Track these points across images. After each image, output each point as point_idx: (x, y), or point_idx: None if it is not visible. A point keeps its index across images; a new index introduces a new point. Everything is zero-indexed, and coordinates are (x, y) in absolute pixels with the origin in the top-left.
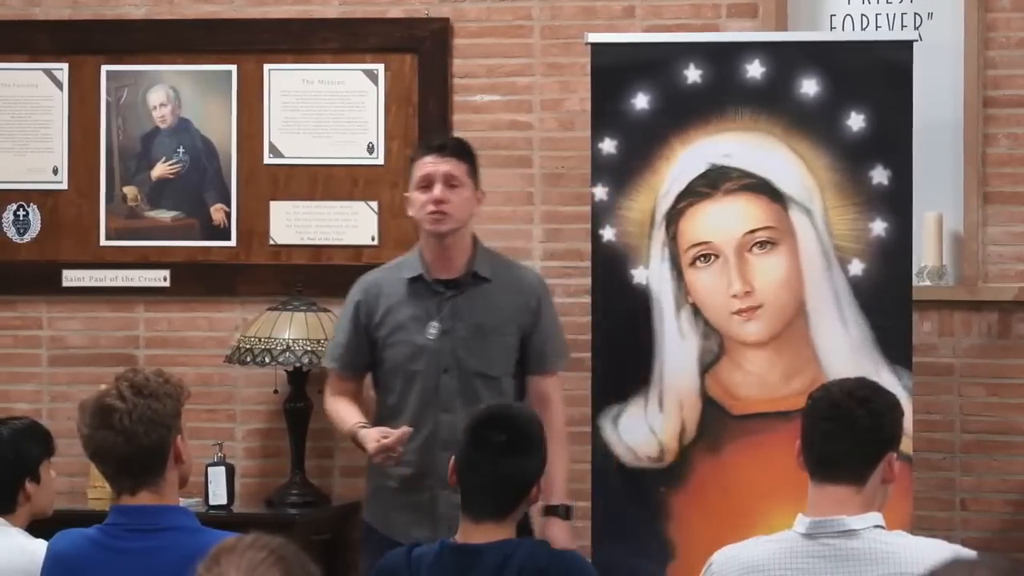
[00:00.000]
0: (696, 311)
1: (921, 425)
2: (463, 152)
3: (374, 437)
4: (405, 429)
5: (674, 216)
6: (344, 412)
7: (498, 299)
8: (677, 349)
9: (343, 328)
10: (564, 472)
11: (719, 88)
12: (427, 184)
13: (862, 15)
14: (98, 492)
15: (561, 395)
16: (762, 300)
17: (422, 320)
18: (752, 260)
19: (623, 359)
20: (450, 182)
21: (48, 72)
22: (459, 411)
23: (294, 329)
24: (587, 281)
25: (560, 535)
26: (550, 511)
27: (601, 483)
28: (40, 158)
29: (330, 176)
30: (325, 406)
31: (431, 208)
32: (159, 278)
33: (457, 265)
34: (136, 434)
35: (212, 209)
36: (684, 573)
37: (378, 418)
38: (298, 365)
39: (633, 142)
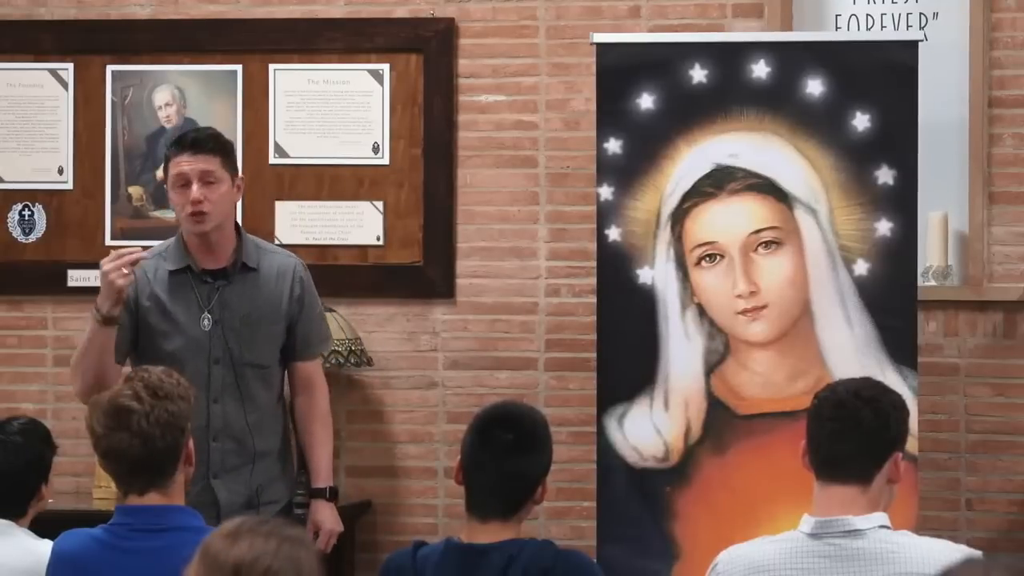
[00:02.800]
0: (701, 311)
1: (926, 425)
2: (217, 146)
3: (103, 263)
4: (139, 248)
5: (679, 216)
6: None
7: (264, 288)
8: (682, 349)
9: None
10: (329, 455)
11: (724, 88)
12: (183, 183)
13: (867, 15)
14: (103, 492)
15: (323, 379)
16: (767, 300)
17: (192, 311)
18: (757, 260)
19: (628, 359)
20: (206, 179)
21: (53, 72)
22: (229, 401)
23: None
24: (592, 281)
25: (327, 518)
26: (317, 493)
27: (606, 483)
28: (45, 158)
29: (335, 176)
30: (72, 360)
31: (190, 209)
32: None
33: (222, 256)
34: (152, 436)
35: None
36: (689, 573)
37: None
38: None
39: (638, 142)
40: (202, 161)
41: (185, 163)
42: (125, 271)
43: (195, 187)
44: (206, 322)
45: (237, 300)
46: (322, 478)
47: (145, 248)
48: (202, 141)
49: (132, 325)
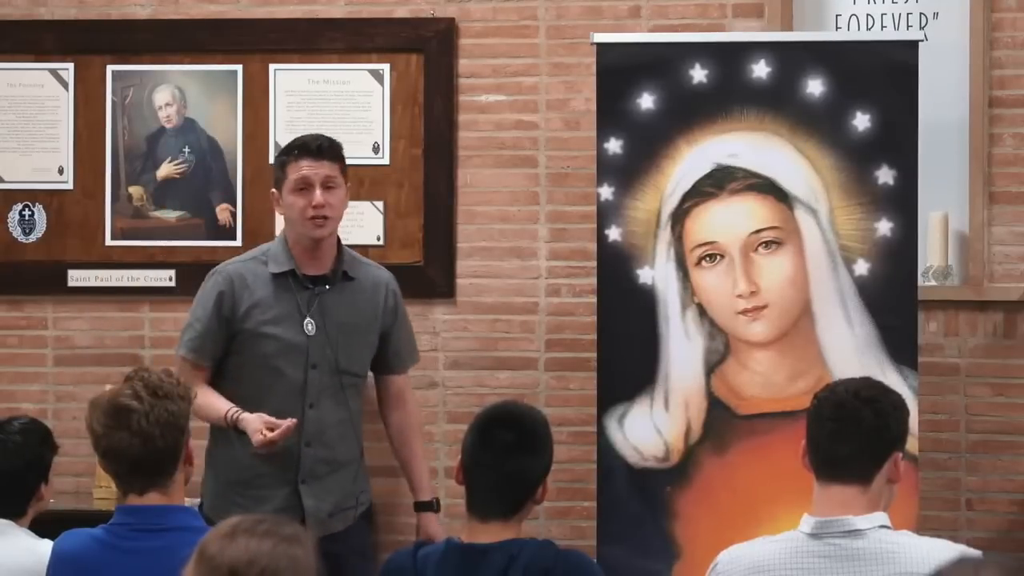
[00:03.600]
0: (702, 311)
1: (927, 425)
2: (338, 153)
3: (257, 428)
4: (291, 422)
5: (680, 216)
6: (213, 399)
7: (362, 298)
8: (683, 349)
9: (202, 318)
10: (427, 468)
11: (725, 88)
12: (305, 187)
13: (868, 15)
14: (103, 492)
15: (413, 392)
16: (768, 300)
17: (292, 315)
18: (758, 260)
19: (628, 359)
20: (328, 184)
21: (54, 72)
22: (324, 407)
23: None
24: (592, 281)
25: (437, 529)
26: (424, 507)
27: (606, 483)
28: (46, 158)
29: None
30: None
31: (312, 213)
32: (165, 278)
33: (326, 262)
34: (152, 436)
35: (218, 209)
36: (689, 573)
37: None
38: None
39: (639, 142)
40: (326, 167)
41: (307, 167)
42: (275, 447)
43: (318, 192)
44: (310, 327)
45: (336, 307)
46: (426, 491)
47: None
48: (326, 147)
49: (224, 333)
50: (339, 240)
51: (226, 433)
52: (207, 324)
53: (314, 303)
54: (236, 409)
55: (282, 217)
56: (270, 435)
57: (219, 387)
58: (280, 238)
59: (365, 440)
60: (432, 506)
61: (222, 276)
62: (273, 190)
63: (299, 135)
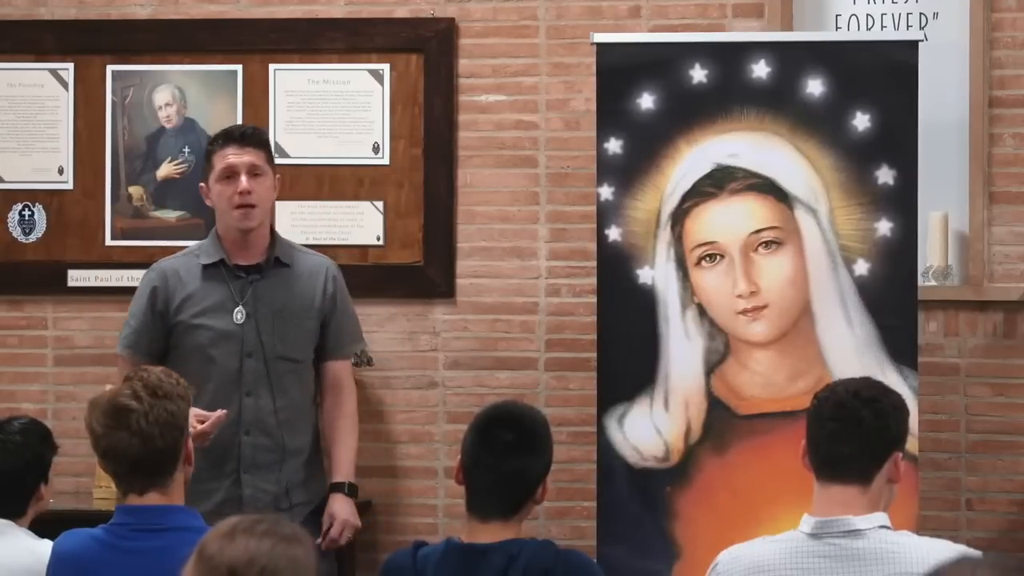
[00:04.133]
0: (702, 311)
1: (927, 425)
2: (261, 141)
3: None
4: (221, 413)
5: (680, 216)
6: None
7: (297, 284)
8: (682, 349)
9: (137, 315)
10: (352, 453)
11: (725, 88)
12: (230, 175)
13: (868, 15)
14: (103, 492)
15: (352, 380)
16: (768, 300)
17: (225, 305)
18: (758, 260)
19: (628, 359)
20: (254, 172)
21: (54, 72)
22: (262, 395)
23: None
24: (592, 281)
25: (342, 509)
26: (336, 487)
27: (606, 483)
28: (46, 158)
29: (335, 176)
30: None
31: (238, 201)
32: None
33: (257, 251)
34: (152, 436)
35: None
36: (690, 573)
37: None
38: None
39: (639, 142)
40: (249, 154)
41: (232, 155)
42: (207, 440)
43: (243, 179)
44: (239, 315)
45: (270, 294)
46: (342, 473)
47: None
48: (249, 135)
49: (160, 328)
50: (272, 228)
51: None
52: (141, 320)
53: (247, 292)
54: None
55: (213, 205)
56: (200, 427)
57: None
58: (212, 231)
59: (361, 440)
60: (343, 488)
61: (155, 272)
62: (201, 183)
63: (303, 133)
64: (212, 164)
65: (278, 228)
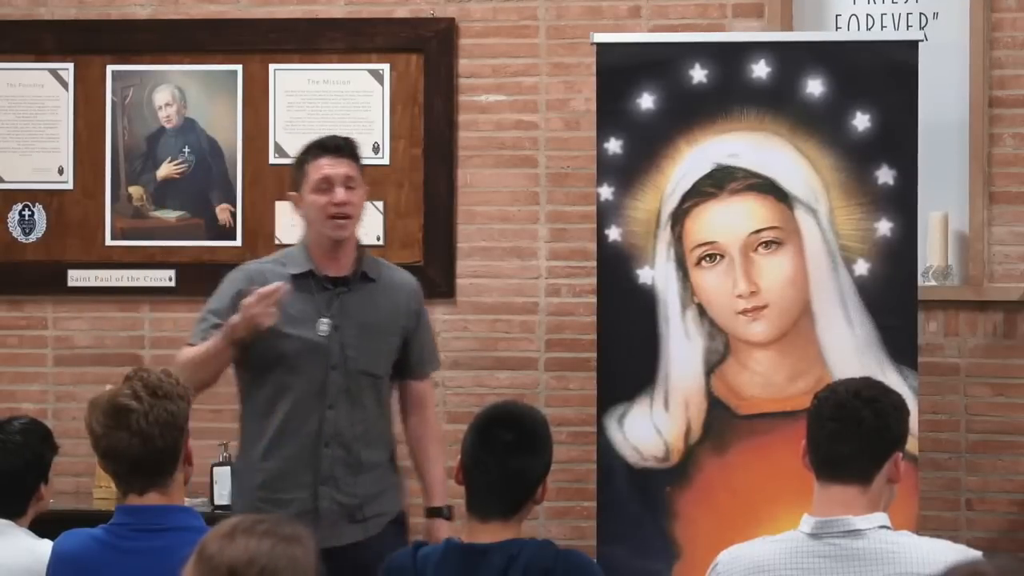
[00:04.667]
0: (702, 311)
1: (927, 425)
2: (356, 153)
3: (246, 302)
4: (279, 284)
5: (680, 216)
6: (199, 346)
7: (383, 300)
8: (683, 349)
9: (219, 313)
10: (443, 473)
11: (725, 88)
12: (327, 186)
13: (868, 15)
14: (103, 492)
15: (434, 397)
16: (768, 300)
17: (311, 316)
18: (758, 260)
19: (628, 359)
20: (349, 184)
21: (54, 72)
22: (342, 408)
23: None
24: (592, 281)
25: (444, 536)
26: (434, 512)
27: (606, 483)
28: (46, 158)
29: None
30: (180, 359)
31: (334, 211)
32: (165, 278)
33: (346, 264)
34: (152, 436)
35: (218, 209)
36: (690, 573)
37: (246, 411)
38: None
39: (639, 142)
40: (344, 165)
41: (328, 166)
42: (272, 310)
43: (340, 190)
44: (324, 327)
45: (356, 308)
46: (438, 497)
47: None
48: (343, 147)
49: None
50: (359, 242)
51: (255, 437)
52: (224, 319)
53: (334, 304)
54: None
55: (299, 219)
56: (263, 290)
57: (242, 387)
58: (300, 241)
59: None
60: (442, 512)
61: (242, 273)
62: (292, 192)
63: (303, 133)
64: (306, 174)
65: (278, 228)
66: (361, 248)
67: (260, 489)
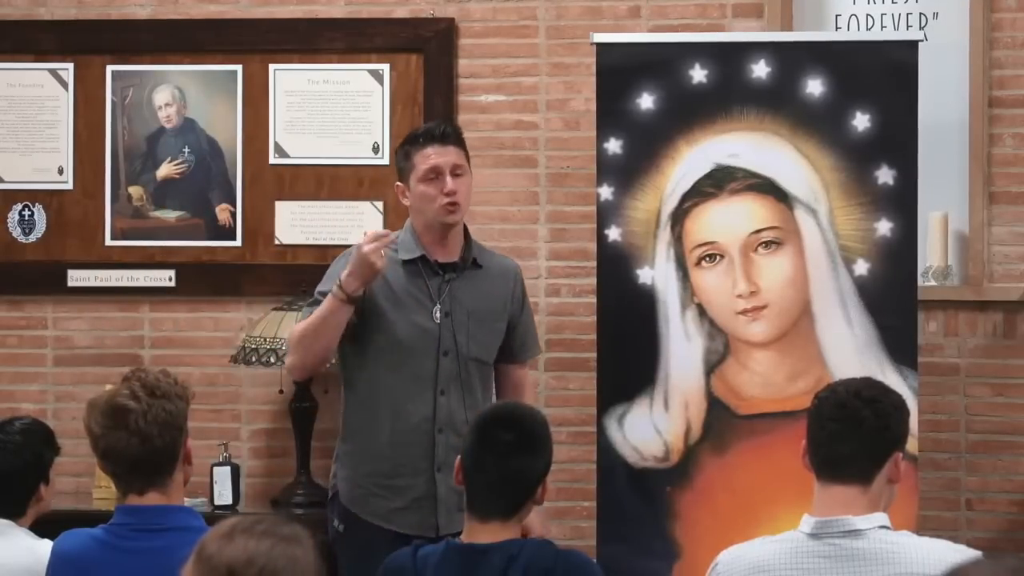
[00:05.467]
0: (701, 311)
1: (927, 425)
2: (462, 139)
3: (360, 246)
4: (388, 233)
5: (679, 216)
6: (313, 314)
7: (490, 286)
8: (682, 349)
9: (325, 292)
10: None
11: (725, 88)
12: (436, 175)
13: (867, 15)
14: (103, 492)
15: (534, 384)
16: (767, 300)
17: (423, 302)
18: (757, 260)
19: (628, 359)
20: (456, 171)
21: (53, 72)
22: (453, 394)
23: None
24: (592, 281)
25: (536, 522)
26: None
27: (606, 483)
28: (45, 158)
29: (335, 176)
30: (295, 333)
31: (445, 200)
32: (164, 278)
33: (454, 250)
34: (150, 435)
35: (217, 209)
36: (690, 573)
37: (351, 396)
38: None
39: (638, 142)
40: (452, 154)
41: (436, 155)
42: (384, 252)
43: (449, 179)
44: (438, 313)
45: (466, 294)
46: None
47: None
48: (449, 134)
49: (356, 309)
50: (466, 228)
51: (364, 424)
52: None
53: (444, 290)
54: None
55: (411, 204)
56: (375, 231)
57: (348, 374)
58: (407, 227)
59: None
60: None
61: (352, 254)
62: (398, 183)
63: (303, 133)
64: (413, 163)
65: (278, 228)
66: (468, 233)
67: (375, 476)
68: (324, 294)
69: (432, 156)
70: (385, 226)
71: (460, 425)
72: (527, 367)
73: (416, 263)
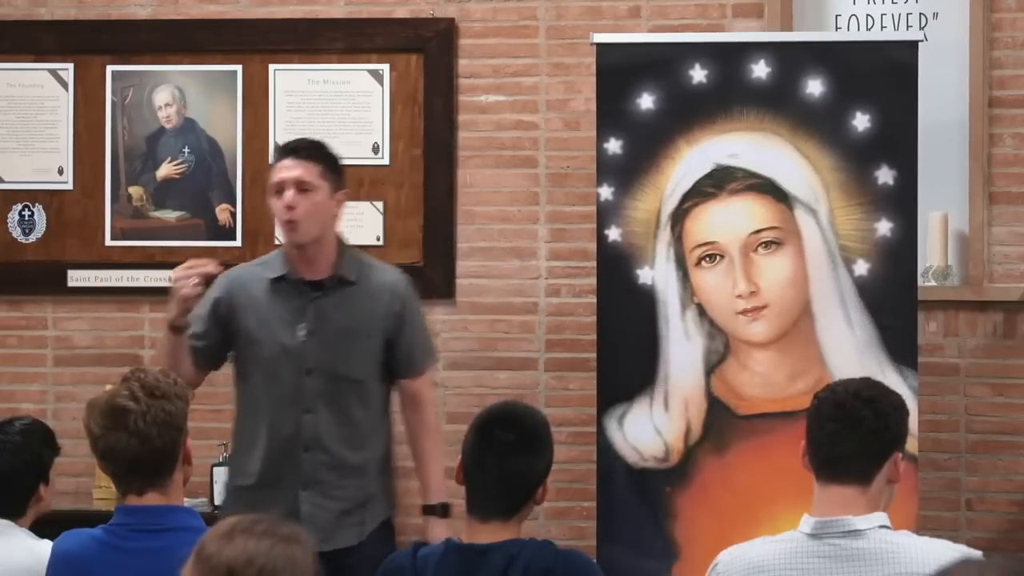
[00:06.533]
0: (701, 311)
1: (927, 425)
2: (317, 154)
3: (173, 275)
4: (212, 261)
5: (679, 216)
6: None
7: (362, 302)
8: (682, 349)
9: (200, 321)
10: (441, 470)
11: (725, 88)
12: (279, 190)
13: (867, 15)
14: (103, 492)
15: (433, 393)
16: (767, 300)
17: (287, 320)
18: (757, 260)
19: (628, 359)
20: (301, 187)
21: (54, 72)
22: (322, 412)
23: None
24: (592, 281)
25: (440, 534)
26: (428, 510)
27: (606, 483)
28: (46, 158)
29: None
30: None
31: (284, 217)
32: (164, 278)
33: (322, 267)
34: (150, 436)
35: (218, 209)
36: (689, 573)
37: (236, 414)
38: None
39: (639, 142)
40: (299, 168)
41: (283, 170)
42: (194, 281)
43: (288, 193)
44: (301, 332)
45: (333, 312)
46: (433, 494)
47: (222, 264)
48: (300, 148)
49: (220, 335)
50: (340, 243)
51: (243, 438)
52: (203, 328)
53: (309, 308)
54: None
55: None
56: (191, 261)
57: (235, 388)
58: (282, 246)
59: None
60: (435, 510)
61: (224, 279)
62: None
63: (303, 133)
64: (270, 178)
65: (279, 229)
66: (344, 249)
67: (246, 491)
68: (195, 317)
69: (280, 171)
70: (385, 226)
71: (332, 443)
72: (422, 379)
73: (282, 282)
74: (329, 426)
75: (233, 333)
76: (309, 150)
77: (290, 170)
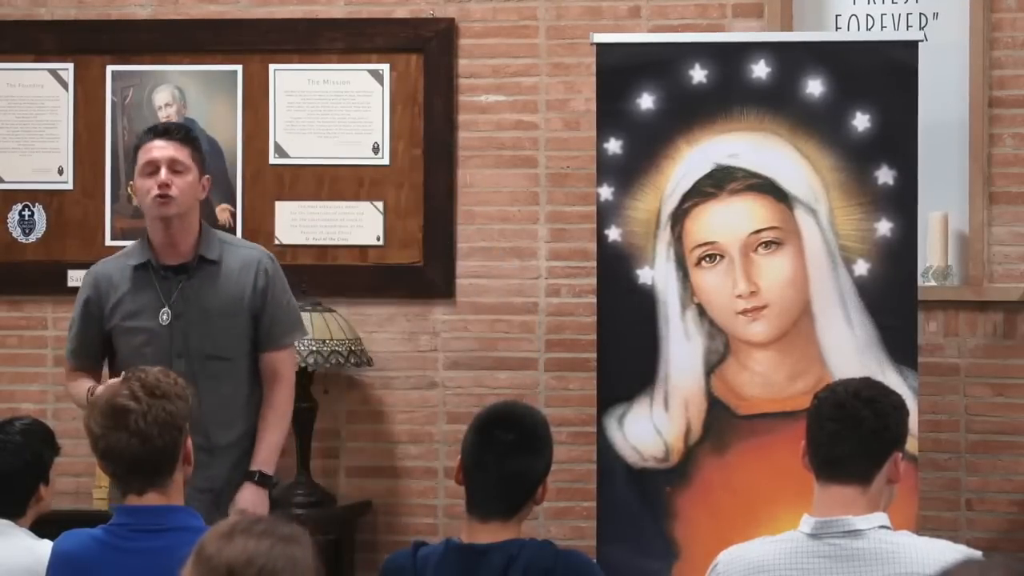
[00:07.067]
0: (701, 311)
1: (927, 425)
2: (187, 138)
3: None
4: (114, 381)
5: (679, 216)
6: (79, 385)
7: (226, 281)
8: (682, 349)
9: (75, 323)
10: (273, 443)
11: (725, 88)
12: (153, 170)
13: (867, 15)
14: (103, 492)
15: (292, 370)
16: (767, 300)
17: (153, 306)
18: (757, 260)
19: (628, 359)
20: (174, 167)
21: (54, 72)
22: (195, 395)
23: None
24: (592, 281)
25: (246, 498)
26: (248, 476)
27: (606, 483)
28: (46, 158)
29: (335, 176)
30: (69, 392)
31: (156, 192)
32: None
33: (184, 250)
34: (150, 436)
35: (218, 209)
36: (689, 573)
37: None
38: (303, 365)
39: (639, 142)
40: (172, 148)
41: (155, 149)
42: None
43: (163, 172)
44: (165, 316)
45: (197, 294)
46: (256, 462)
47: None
48: (173, 130)
49: (98, 333)
50: (202, 226)
51: None
52: (78, 329)
53: (174, 292)
54: (94, 385)
55: (139, 203)
56: (96, 388)
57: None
58: (143, 234)
59: (358, 441)
60: (252, 476)
61: (90, 278)
62: (131, 182)
63: (303, 133)
64: (137, 159)
65: (278, 228)
66: (205, 231)
67: None
68: (72, 322)
69: (151, 150)
70: (384, 226)
71: (208, 425)
72: (282, 352)
73: (145, 268)
74: (204, 408)
75: (106, 326)
76: (181, 132)
77: (163, 150)
